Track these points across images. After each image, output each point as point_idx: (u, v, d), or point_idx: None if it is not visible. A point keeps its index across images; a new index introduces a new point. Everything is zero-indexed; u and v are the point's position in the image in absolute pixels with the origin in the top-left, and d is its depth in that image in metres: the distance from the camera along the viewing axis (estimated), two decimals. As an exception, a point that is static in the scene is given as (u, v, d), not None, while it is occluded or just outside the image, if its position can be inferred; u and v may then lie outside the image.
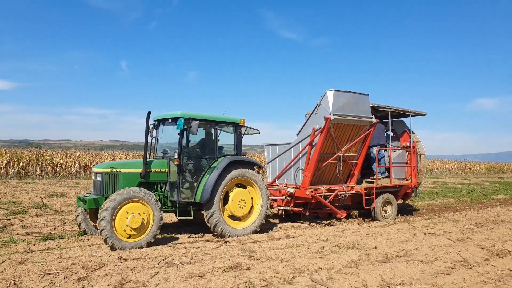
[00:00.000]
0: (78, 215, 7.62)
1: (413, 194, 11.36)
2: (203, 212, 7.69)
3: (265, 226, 9.16)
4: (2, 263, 5.60)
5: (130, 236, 6.64)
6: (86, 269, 5.32)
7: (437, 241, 7.51)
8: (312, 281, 4.95)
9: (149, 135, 8.00)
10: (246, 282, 4.87)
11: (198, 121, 7.39)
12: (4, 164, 21.96)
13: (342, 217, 9.59)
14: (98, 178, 7.17)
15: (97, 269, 5.32)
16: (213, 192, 7.52)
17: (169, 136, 8.27)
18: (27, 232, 7.87)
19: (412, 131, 11.47)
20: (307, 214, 9.57)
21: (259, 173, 8.40)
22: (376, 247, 6.85)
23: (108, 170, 7.16)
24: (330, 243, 7.22)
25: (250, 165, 8.30)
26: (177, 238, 7.71)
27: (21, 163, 22.52)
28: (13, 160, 22.60)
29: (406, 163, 11.06)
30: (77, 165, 23.93)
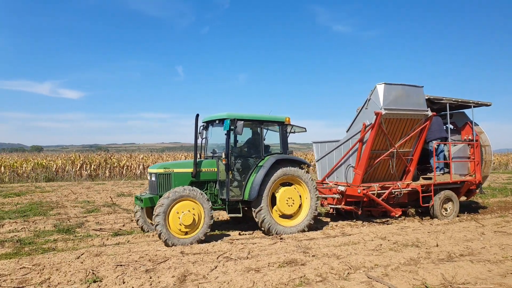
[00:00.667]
0: (136, 212, 8.09)
1: (477, 191, 10.62)
2: (252, 209, 7.89)
3: (320, 224, 9.17)
4: (82, 255, 6.27)
5: (182, 233, 6.97)
6: (153, 262, 5.77)
7: (509, 240, 7.00)
8: (368, 277, 4.92)
9: (199, 136, 8.42)
10: (301, 277, 4.97)
11: (243, 121, 7.58)
12: (78, 167, 24.15)
13: (397, 215, 9.23)
14: (153, 178, 7.64)
15: (162, 262, 5.74)
16: (260, 190, 7.69)
17: (217, 136, 8.49)
18: (100, 228, 8.67)
19: (475, 123, 10.70)
20: (359, 212, 9.35)
21: (306, 171, 8.38)
22: (437, 245, 6.57)
23: (161, 170, 7.59)
24: (388, 240, 7.05)
25: (297, 163, 8.32)
26: (228, 235, 7.96)
27: (92, 166, 24.59)
28: (86, 163, 24.76)
29: (469, 158, 10.35)
30: (141, 166, 25.57)
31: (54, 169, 23.51)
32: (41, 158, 27.86)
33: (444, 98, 9.79)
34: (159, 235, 6.76)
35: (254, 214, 7.84)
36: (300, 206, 8.23)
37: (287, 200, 8.04)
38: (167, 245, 6.79)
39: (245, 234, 8.09)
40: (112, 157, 26.53)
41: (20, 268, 5.51)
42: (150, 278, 4.98)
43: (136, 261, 5.82)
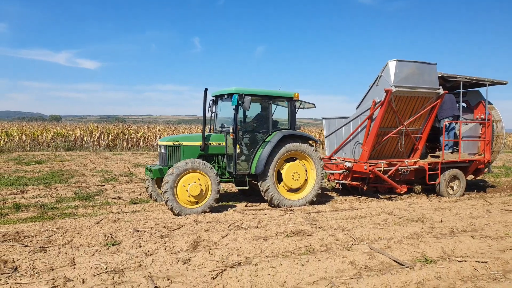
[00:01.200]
0: (147, 181, 8.39)
1: (486, 169, 10.59)
2: (258, 183, 8.13)
3: (328, 198, 9.41)
4: (101, 220, 6.69)
5: (192, 203, 7.25)
6: (167, 228, 6.13)
7: (514, 218, 7.12)
8: (371, 249, 5.16)
9: (209, 110, 8.57)
10: (306, 246, 5.25)
11: (250, 97, 7.63)
12: (96, 138, 24.81)
13: (402, 192, 9.33)
14: (162, 150, 7.88)
15: (176, 229, 6.10)
16: (267, 164, 7.87)
17: (226, 111, 8.60)
18: (118, 197, 9.11)
19: (489, 102, 10.53)
20: (365, 188, 9.46)
21: (313, 147, 8.47)
22: (442, 221, 6.75)
23: (171, 143, 7.81)
24: (395, 215, 7.25)
25: (304, 139, 8.43)
26: (235, 206, 8.23)
27: (110, 136, 25.21)
28: (104, 134, 25.39)
29: (479, 137, 10.28)
30: (158, 138, 26.07)
31: (73, 139, 24.22)
32: (60, 127, 28.65)
33: (458, 76, 9.63)
34: (166, 202, 7.05)
35: (260, 189, 8.08)
36: (306, 180, 8.41)
37: (293, 175, 8.21)
38: (173, 212, 7.10)
39: (252, 206, 8.37)
40: (129, 128, 27.08)
41: (45, 231, 5.94)
42: (165, 243, 5.32)
43: (151, 227, 6.19)
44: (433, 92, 8.89)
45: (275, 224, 6.49)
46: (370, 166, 8.77)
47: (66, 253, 4.88)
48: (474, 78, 9.92)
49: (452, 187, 9.94)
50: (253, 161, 7.99)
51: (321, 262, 4.66)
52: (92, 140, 24.51)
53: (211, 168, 7.43)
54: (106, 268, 4.38)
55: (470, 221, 6.82)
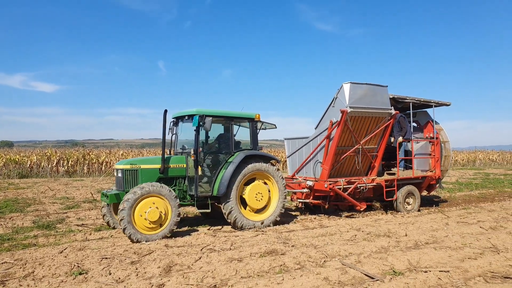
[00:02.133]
0: (102, 208, 8.00)
1: (437, 185, 11.20)
2: (221, 205, 7.95)
3: (298, 218, 9.54)
4: (65, 249, 6.37)
5: (148, 229, 6.93)
6: (138, 254, 5.95)
7: (469, 229, 7.58)
8: (342, 264, 5.30)
9: (169, 132, 8.50)
10: (281, 265, 5.30)
11: (211, 118, 7.56)
12: (55, 163, 23.67)
13: (362, 209, 9.62)
14: (119, 174, 7.56)
15: (147, 254, 5.94)
16: (229, 185, 7.75)
17: (187, 132, 8.46)
18: (82, 224, 8.72)
19: (436, 122, 11.24)
20: (326, 206, 9.62)
21: (275, 167, 8.50)
22: (406, 235, 7.07)
23: (128, 166, 7.51)
24: (362, 231, 7.49)
25: (266, 159, 8.46)
26: (197, 231, 7.97)
27: (70, 161, 24.15)
28: (63, 159, 24.29)
29: (430, 155, 10.89)
30: (120, 163, 25.27)
31: (28, 165, 22.97)
32: (14, 153, 27.08)
33: (407, 98, 10.19)
34: (123, 230, 6.73)
35: (223, 209, 7.92)
36: (269, 200, 8.39)
37: (256, 195, 8.15)
38: (131, 240, 6.79)
39: (214, 229, 8.11)
40: (90, 153, 26.11)
41: (2, 263, 5.57)
42: (136, 269, 5.17)
43: (121, 254, 5.98)
44: (386, 112, 9.35)
45: (248, 245, 6.49)
46: (330, 184, 8.95)
47: (28, 285, 4.62)
48: (422, 100, 10.54)
49: (408, 203, 10.30)
50: (215, 183, 7.84)
51: (296, 279, 4.72)
52: (50, 166, 23.37)
53: (170, 190, 7.19)
54: (75, 298, 4.18)
55: (432, 233, 7.19)
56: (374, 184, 9.73)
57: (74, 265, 5.36)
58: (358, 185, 9.41)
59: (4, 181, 19.26)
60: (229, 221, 7.91)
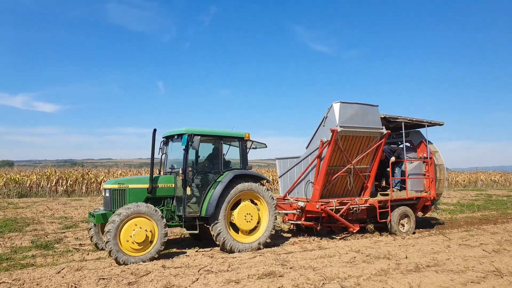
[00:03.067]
0: (90, 229, 7.86)
1: (432, 207, 10.99)
2: (209, 226, 7.76)
3: (297, 239, 9.46)
4: (62, 269, 6.31)
5: (134, 250, 6.79)
6: (135, 275, 5.89)
7: (472, 252, 7.50)
8: (342, 287, 5.24)
9: (160, 151, 8.47)
10: (279, 287, 5.23)
11: (199, 137, 7.54)
12: (54, 183, 23.64)
13: (355, 231, 9.38)
14: (107, 194, 7.47)
15: (144, 275, 5.88)
16: (218, 206, 7.58)
17: (177, 152, 8.28)
18: (80, 244, 8.67)
19: (430, 142, 11.14)
20: (318, 228, 9.38)
21: (265, 187, 8.36)
22: (406, 257, 6.99)
23: (115, 186, 7.42)
24: (362, 253, 7.41)
25: (256, 179, 8.30)
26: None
27: (68, 181, 24.11)
28: (62, 178, 24.27)
29: (424, 175, 10.77)
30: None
31: (28, 185, 22.93)
32: (14, 173, 27.07)
33: (399, 117, 10.07)
34: (109, 252, 6.61)
35: (211, 231, 7.73)
36: (258, 222, 8.19)
37: (245, 216, 7.96)
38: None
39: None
40: (89, 173, 26.09)
41: (0, 283, 5.52)
42: (133, 290, 5.12)
43: (118, 274, 5.93)
44: (377, 132, 9.23)
45: (246, 266, 6.42)
46: (322, 205, 8.78)
47: (25, 306, 4.56)
48: (414, 119, 10.38)
49: (403, 225, 10.04)
50: (204, 203, 7.69)
51: (295, 302, 4.66)
52: (49, 185, 23.33)
53: (156, 210, 7.06)
54: (71, 319, 4.13)
55: (433, 256, 7.11)
56: (367, 205, 9.53)
57: (71, 286, 5.33)
58: (351, 206, 9.23)
59: (3, 200, 19.21)
60: (217, 243, 7.70)
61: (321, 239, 9.48)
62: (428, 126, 10.96)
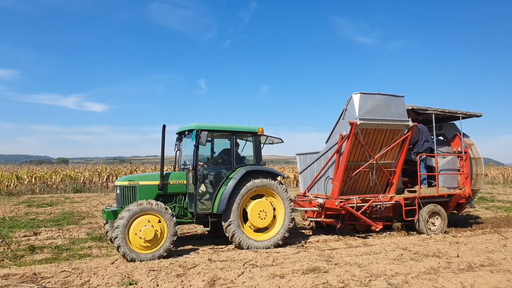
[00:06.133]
0: (105, 225, 7.88)
1: (467, 205, 10.15)
2: (222, 223, 7.61)
3: (342, 235, 9.33)
4: (115, 260, 6.72)
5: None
6: (183, 267, 6.13)
7: (531, 252, 7.03)
8: (389, 284, 5.13)
9: (175, 148, 8.49)
10: (324, 283, 5.22)
11: (206, 132, 7.37)
12: (105, 179, 25.00)
13: (377, 229, 8.83)
14: (118, 191, 7.45)
15: (191, 268, 6.10)
16: (229, 202, 7.42)
17: (190, 148, 7.98)
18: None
19: (466, 135, 10.39)
20: (338, 226, 8.94)
21: (281, 183, 8.11)
22: (458, 256, 6.68)
23: (126, 183, 7.37)
24: (409, 251, 7.19)
25: (270, 175, 8.03)
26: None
27: (119, 177, 25.35)
28: (112, 175, 25.60)
29: (458, 170, 9.98)
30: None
31: (81, 181, 24.43)
32: (69, 170, 28.97)
33: (429, 109, 9.47)
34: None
35: (224, 229, 7.58)
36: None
37: (259, 213, 7.72)
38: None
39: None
40: (137, 169, 27.31)
41: (61, 272, 5.96)
42: (182, 281, 5.33)
43: (167, 266, 6.19)
44: (402, 124, 8.64)
45: (290, 261, 6.46)
46: (341, 202, 8.36)
47: (85, 293, 4.90)
48: (447, 111, 9.73)
49: (433, 224, 9.44)
50: (216, 200, 7.53)
51: (340, 298, 4.63)
52: (100, 181, 24.69)
53: (166, 208, 6.98)
54: (126, 307, 4.39)
55: (487, 255, 6.74)
56: (392, 202, 8.97)
57: (125, 276, 5.63)
58: (373, 203, 8.73)
59: (61, 195, 20.58)
60: (231, 241, 7.58)
61: (338, 235, 9.13)
62: (463, 118, 10.11)
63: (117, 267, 6.21)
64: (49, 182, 23.50)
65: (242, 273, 5.71)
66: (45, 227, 10.34)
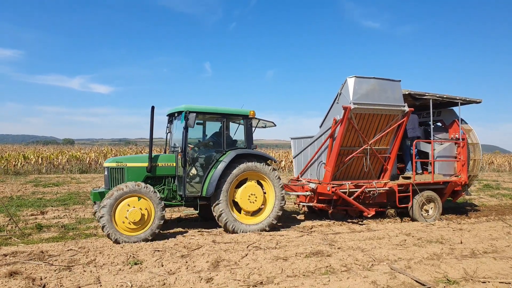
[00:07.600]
0: (94, 205, 7.78)
1: (463, 193, 10.10)
2: (211, 206, 7.58)
3: (345, 220, 9.38)
4: (121, 240, 6.80)
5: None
6: (187, 248, 6.20)
7: (535, 239, 7.02)
8: (391, 269, 5.16)
9: (167, 129, 8.42)
10: (327, 266, 5.26)
11: (195, 114, 7.25)
12: (111, 160, 25.23)
13: (369, 215, 8.77)
14: (106, 172, 7.35)
15: (195, 249, 6.17)
16: (218, 185, 7.37)
17: (180, 130, 7.84)
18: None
19: (464, 121, 10.19)
20: (330, 211, 8.94)
21: (271, 167, 8.00)
22: (461, 242, 6.70)
23: (114, 164, 7.26)
24: (413, 236, 7.22)
25: (261, 158, 7.93)
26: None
27: (124, 159, 25.56)
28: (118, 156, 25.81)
29: (455, 157, 9.86)
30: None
31: (87, 162, 24.65)
32: (75, 150, 29.21)
33: (426, 94, 9.25)
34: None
35: (213, 211, 7.57)
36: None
37: (249, 197, 7.65)
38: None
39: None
40: (143, 151, 27.49)
41: (68, 250, 6.07)
42: (186, 262, 5.40)
43: (171, 247, 6.27)
44: (398, 109, 8.49)
45: (294, 245, 6.51)
46: (333, 187, 8.27)
47: (91, 271, 4.98)
48: (445, 96, 9.51)
49: (427, 211, 9.36)
50: (205, 183, 7.47)
51: (343, 282, 4.68)
52: (106, 162, 24.93)
53: (154, 191, 6.91)
54: (132, 286, 4.47)
55: (491, 242, 6.75)
56: (386, 188, 8.89)
57: (130, 256, 5.71)
58: (366, 189, 8.64)
59: (67, 175, 20.82)
60: (220, 223, 7.54)
61: (330, 221, 9.12)
62: (461, 104, 9.89)
63: (122, 247, 6.30)
64: (55, 163, 23.74)
65: (246, 255, 5.77)
66: (52, 206, 10.49)
